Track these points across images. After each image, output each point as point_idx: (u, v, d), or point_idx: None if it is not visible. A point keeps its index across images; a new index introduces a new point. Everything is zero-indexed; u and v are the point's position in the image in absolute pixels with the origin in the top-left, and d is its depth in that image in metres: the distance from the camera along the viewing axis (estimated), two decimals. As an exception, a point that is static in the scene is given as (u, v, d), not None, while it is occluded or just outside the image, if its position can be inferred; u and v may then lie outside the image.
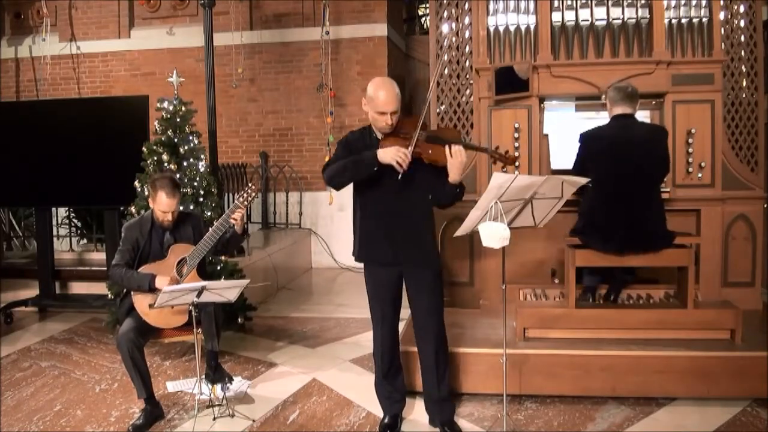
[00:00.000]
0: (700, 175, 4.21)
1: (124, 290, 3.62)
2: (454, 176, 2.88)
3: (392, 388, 3.25)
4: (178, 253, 3.55)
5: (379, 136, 3.02)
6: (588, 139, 3.72)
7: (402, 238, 3.01)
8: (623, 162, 3.56)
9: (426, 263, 3.07)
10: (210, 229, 3.53)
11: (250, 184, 3.57)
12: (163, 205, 3.49)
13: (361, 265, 3.19)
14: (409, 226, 3.01)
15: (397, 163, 2.81)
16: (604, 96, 3.85)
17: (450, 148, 2.84)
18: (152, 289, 3.38)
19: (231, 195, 7.08)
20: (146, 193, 3.58)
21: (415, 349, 3.27)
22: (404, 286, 3.15)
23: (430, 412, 3.27)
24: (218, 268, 4.70)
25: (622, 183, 3.57)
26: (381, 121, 2.93)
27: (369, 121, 3.04)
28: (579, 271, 3.75)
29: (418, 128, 2.87)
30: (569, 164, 3.85)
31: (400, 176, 2.85)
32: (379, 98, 2.89)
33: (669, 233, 3.64)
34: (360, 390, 3.74)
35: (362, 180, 2.99)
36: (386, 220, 3.00)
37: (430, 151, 2.89)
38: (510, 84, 4.28)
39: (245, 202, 3.49)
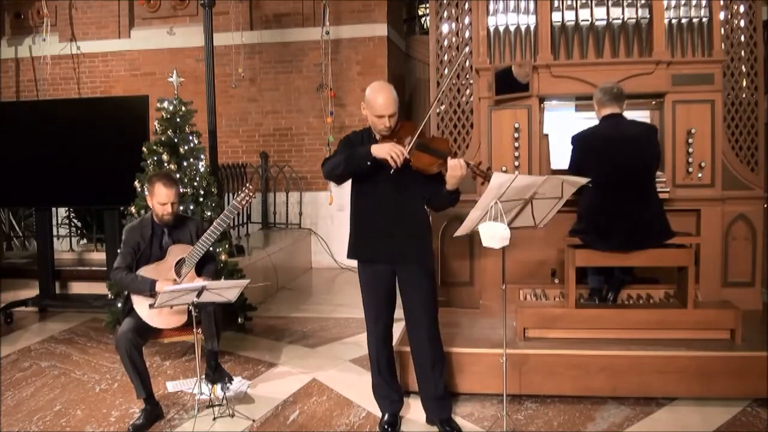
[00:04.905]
0: (700, 175, 4.20)
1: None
2: (449, 186, 2.92)
3: (389, 387, 3.25)
4: (176, 254, 3.55)
5: (378, 138, 3.06)
6: (581, 140, 3.74)
7: (396, 235, 3.03)
8: (619, 160, 3.58)
9: (419, 261, 3.08)
10: (209, 228, 3.53)
11: (248, 185, 3.59)
12: (161, 196, 3.48)
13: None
14: (404, 223, 3.03)
15: (391, 158, 2.84)
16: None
17: (448, 163, 2.85)
18: (152, 294, 3.38)
19: (231, 195, 7.08)
20: (145, 193, 3.59)
21: (410, 348, 3.27)
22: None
23: (427, 410, 3.26)
24: (219, 266, 4.69)
25: (619, 181, 3.58)
26: (379, 124, 2.98)
27: (369, 122, 3.07)
28: (580, 272, 3.75)
29: (416, 135, 2.92)
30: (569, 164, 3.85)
31: (392, 171, 2.87)
32: (377, 102, 2.94)
33: (669, 227, 3.64)
34: (360, 390, 3.74)
35: (358, 176, 3.03)
36: (381, 217, 3.02)
37: (418, 160, 2.91)
38: (510, 84, 4.28)
39: (243, 202, 3.58)
